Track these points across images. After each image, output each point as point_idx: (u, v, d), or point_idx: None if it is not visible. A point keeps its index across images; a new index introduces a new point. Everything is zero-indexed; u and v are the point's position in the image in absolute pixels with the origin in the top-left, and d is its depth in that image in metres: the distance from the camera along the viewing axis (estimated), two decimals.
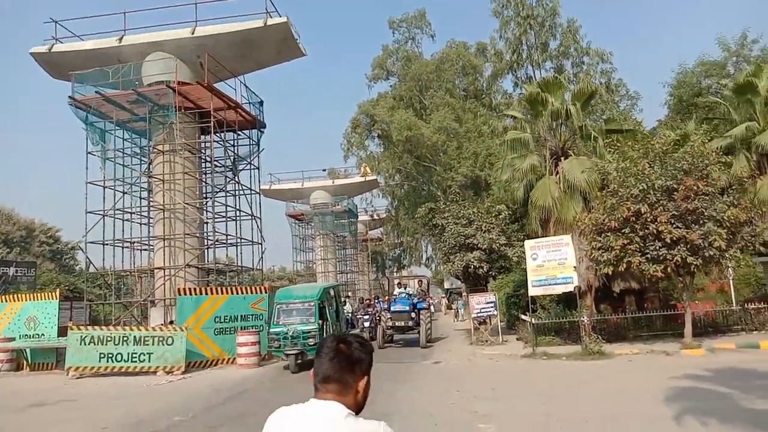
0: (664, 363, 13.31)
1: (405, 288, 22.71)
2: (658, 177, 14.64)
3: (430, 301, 24.00)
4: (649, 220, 14.32)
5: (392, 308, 20.40)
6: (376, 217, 51.07)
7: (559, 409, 9.09)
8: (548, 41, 37.47)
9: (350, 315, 25.04)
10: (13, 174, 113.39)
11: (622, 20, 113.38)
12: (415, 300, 20.87)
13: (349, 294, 41.71)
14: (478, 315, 20.08)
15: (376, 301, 26.32)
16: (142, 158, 23.61)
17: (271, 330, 15.79)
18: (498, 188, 25.95)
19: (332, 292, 18.50)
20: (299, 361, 15.01)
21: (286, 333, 15.35)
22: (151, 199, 23.30)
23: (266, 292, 17.91)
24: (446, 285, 59.20)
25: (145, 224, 23.71)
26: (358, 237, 53.09)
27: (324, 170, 48.96)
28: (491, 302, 19.96)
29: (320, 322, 15.68)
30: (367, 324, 23.20)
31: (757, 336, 16.07)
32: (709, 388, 9.96)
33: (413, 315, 19.85)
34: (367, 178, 43.81)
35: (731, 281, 19.32)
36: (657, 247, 14.28)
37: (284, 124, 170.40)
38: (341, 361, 2.01)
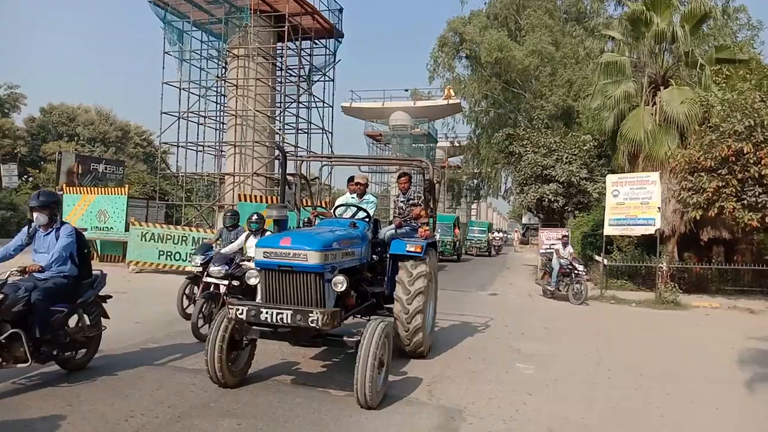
0: (746, 321, 11.95)
1: (361, 195, 7.87)
2: None
3: (424, 232, 7.28)
4: (751, 161, 12.55)
5: (260, 245, 5.55)
6: (456, 144, 49.45)
7: (613, 357, 8.16)
8: None
9: None
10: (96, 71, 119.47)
11: None
12: (389, 229, 7.45)
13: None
14: (547, 251, 18.98)
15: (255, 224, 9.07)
16: (218, 61, 23.35)
17: None
18: (586, 117, 23.94)
19: None
20: None
21: None
22: (224, 104, 23.19)
23: (325, 206, 17.45)
24: (524, 220, 57.62)
25: (218, 129, 23.79)
26: (436, 163, 51.93)
27: (406, 90, 47.47)
28: (564, 238, 18.77)
29: None
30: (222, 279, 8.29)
31: None
32: None
33: (339, 280, 5.44)
34: (450, 102, 42.07)
35: None
36: (756, 193, 12.58)
37: (365, 39, 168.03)
38: None
